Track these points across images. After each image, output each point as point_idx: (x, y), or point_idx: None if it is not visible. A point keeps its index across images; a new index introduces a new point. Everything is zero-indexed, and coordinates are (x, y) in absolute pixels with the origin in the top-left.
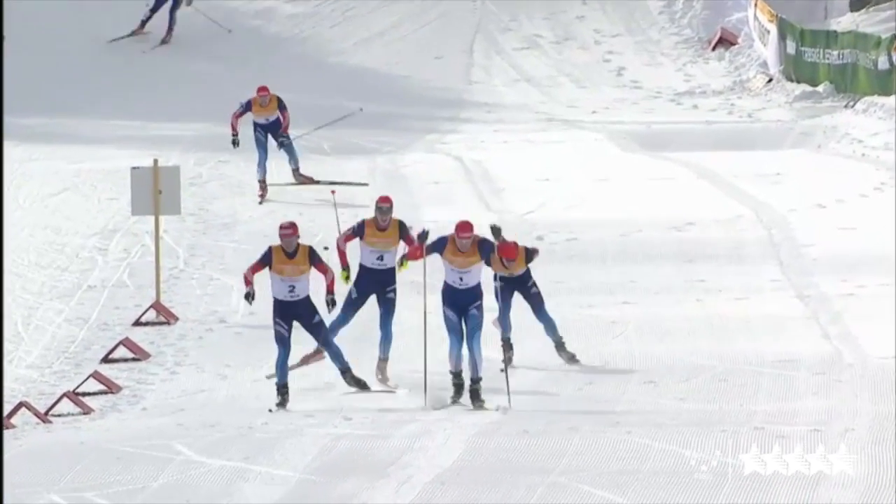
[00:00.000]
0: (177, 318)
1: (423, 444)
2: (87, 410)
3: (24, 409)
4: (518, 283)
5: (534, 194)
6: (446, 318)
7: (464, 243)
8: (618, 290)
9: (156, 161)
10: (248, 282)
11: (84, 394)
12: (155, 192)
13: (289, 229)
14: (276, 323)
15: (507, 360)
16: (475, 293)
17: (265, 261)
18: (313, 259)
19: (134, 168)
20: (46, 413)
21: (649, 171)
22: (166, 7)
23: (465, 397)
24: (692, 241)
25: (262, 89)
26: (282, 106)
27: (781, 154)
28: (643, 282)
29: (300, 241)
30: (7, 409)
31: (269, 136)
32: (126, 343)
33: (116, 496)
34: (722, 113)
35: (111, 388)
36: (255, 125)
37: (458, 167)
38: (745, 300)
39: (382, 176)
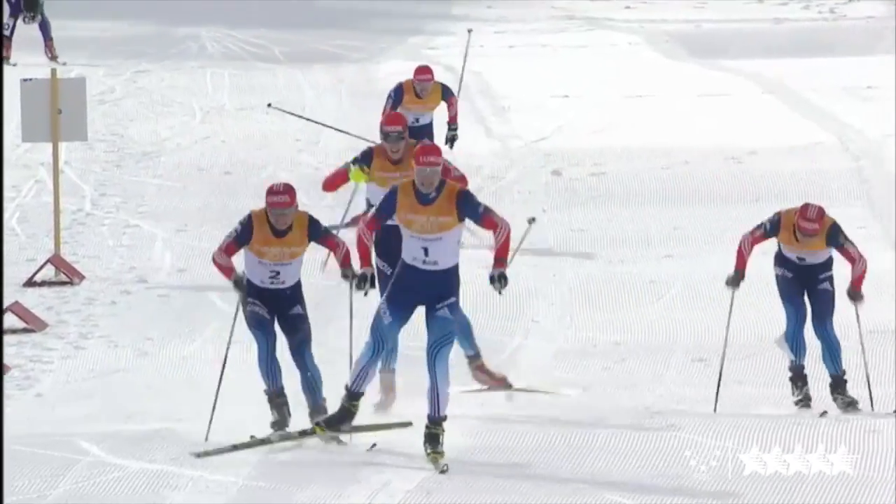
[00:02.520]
0: (82, 277)
1: (405, 442)
2: None
3: None
4: (810, 273)
5: (549, 115)
6: (377, 316)
7: (426, 169)
8: (658, 240)
9: (54, 71)
10: (226, 269)
11: None
12: (53, 111)
13: (283, 195)
14: (247, 303)
15: (805, 402)
16: (447, 281)
17: (243, 237)
18: (313, 234)
19: (25, 80)
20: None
21: (699, 84)
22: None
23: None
24: (756, 176)
25: (424, 70)
26: (447, 93)
27: (874, 62)
28: (691, 229)
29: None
30: None
31: None
32: (15, 309)
33: None
34: (796, 7)
35: None
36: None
37: (450, 79)
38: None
39: (349, 93)
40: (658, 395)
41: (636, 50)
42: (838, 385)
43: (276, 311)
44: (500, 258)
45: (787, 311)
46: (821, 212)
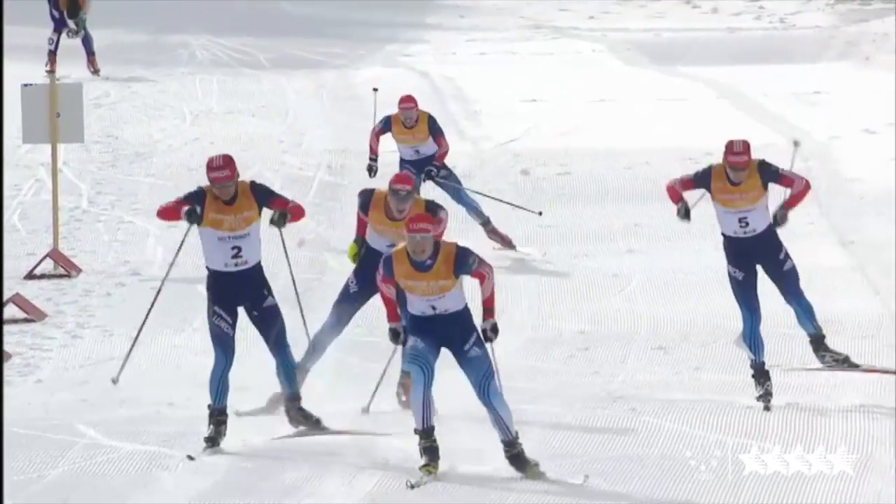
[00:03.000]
0: (79, 270)
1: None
2: None
3: None
4: (762, 251)
5: (518, 119)
6: (411, 347)
7: (416, 236)
8: (620, 236)
9: (52, 75)
10: (173, 209)
11: None
12: (52, 114)
13: (222, 170)
14: (212, 313)
15: (766, 398)
16: (464, 321)
17: (195, 200)
18: (260, 196)
19: (25, 85)
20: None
21: (658, 89)
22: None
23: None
24: None
25: (406, 99)
26: (435, 129)
27: (821, 68)
28: (651, 226)
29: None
30: None
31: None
32: (17, 300)
33: (6, 488)
34: (748, 17)
35: None
36: (401, 161)
37: (424, 85)
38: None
39: (330, 97)
40: (620, 380)
41: (599, 57)
42: (820, 344)
43: (246, 300)
44: (489, 308)
45: (743, 312)
46: (746, 144)
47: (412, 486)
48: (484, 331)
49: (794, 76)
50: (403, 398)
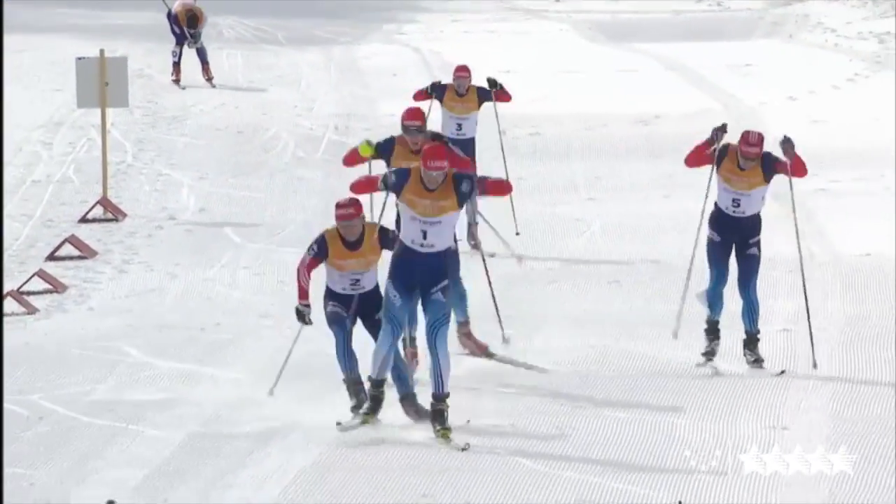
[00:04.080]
0: (125, 215)
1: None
2: (31, 310)
3: None
4: (741, 234)
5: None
6: (388, 301)
7: (433, 172)
8: (582, 186)
9: (102, 51)
10: (301, 290)
11: (28, 293)
12: (101, 83)
13: (348, 208)
14: (330, 304)
15: (708, 356)
16: (441, 264)
17: (321, 254)
18: (386, 243)
19: (79, 58)
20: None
21: (615, 62)
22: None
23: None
24: (659, 136)
25: (461, 69)
26: (485, 97)
27: (751, 44)
28: (608, 178)
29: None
30: None
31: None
32: (72, 240)
33: (62, 399)
34: (690, 2)
35: (57, 287)
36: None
37: (416, 58)
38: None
39: (338, 68)
40: (582, 309)
41: (565, 35)
42: (751, 342)
43: (357, 312)
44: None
45: (712, 272)
46: (761, 137)
47: (341, 428)
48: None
49: (729, 51)
50: (466, 350)
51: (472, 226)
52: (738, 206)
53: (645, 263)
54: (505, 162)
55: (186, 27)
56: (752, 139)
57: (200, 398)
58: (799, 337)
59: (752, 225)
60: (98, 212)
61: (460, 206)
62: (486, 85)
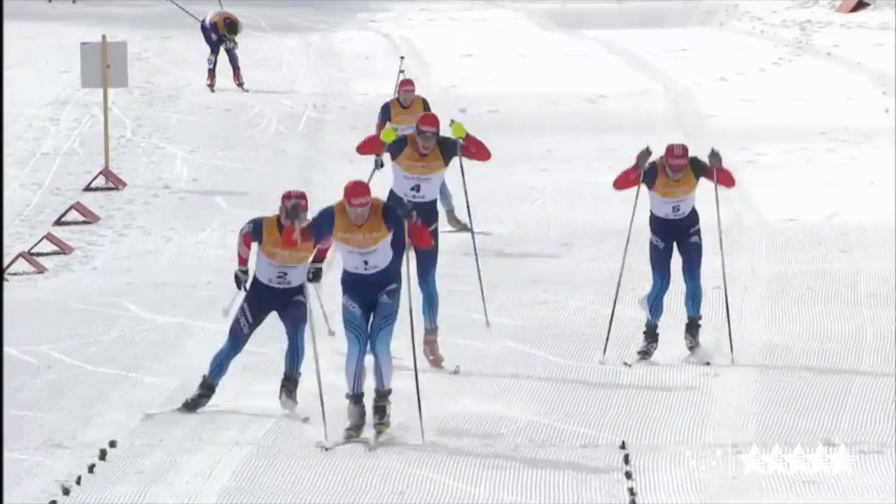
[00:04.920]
0: (125, 184)
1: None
2: (41, 270)
3: None
4: (679, 229)
5: (458, 69)
6: (346, 312)
7: (357, 212)
8: (535, 158)
9: (104, 37)
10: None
11: (38, 254)
12: (103, 65)
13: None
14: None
15: (644, 356)
16: (388, 276)
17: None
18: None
19: (83, 43)
20: (3, 272)
21: (565, 47)
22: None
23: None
24: (604, 113)
25: (406, 83)
26: (427, 110)
27: (687, 31)
28: (559, 151)
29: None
30: None
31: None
32: (77, 207)
33: (69, 350)
34: None
35: (64, 249)
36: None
37: (387, 44)
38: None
39: (316, 52)
40: (536, 269)
41: (520, 23)
42: (692, 327)
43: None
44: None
45: (654, 278)
46: (685, 148)
47: (324, 448)
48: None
49: (667, 37)
50: (431, 356)
51: (450, 213)
52: (678, 210)
53: (592, 228)
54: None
55: (227, 33)
56: (677, 151)
57: (193, 349)
58: (730, 295)
59: (691, 218)
60: (101, 181)
61: (390, 231)
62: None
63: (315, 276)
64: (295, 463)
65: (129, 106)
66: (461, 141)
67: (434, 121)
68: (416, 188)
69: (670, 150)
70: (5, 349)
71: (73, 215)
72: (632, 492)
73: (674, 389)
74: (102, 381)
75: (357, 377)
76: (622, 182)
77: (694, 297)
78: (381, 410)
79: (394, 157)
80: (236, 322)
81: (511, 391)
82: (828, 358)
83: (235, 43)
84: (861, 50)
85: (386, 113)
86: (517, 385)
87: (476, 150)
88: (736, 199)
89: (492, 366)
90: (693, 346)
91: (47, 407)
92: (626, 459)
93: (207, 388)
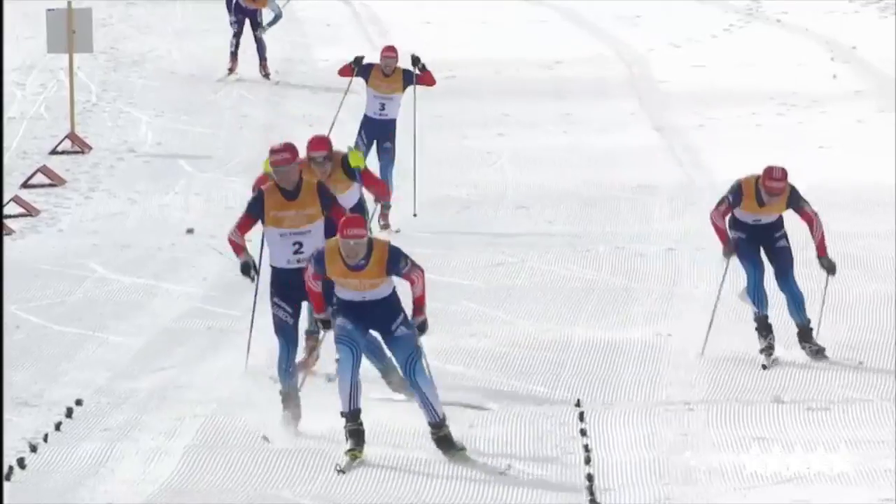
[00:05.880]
0: (90, 148)
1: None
2: (8, 232)
3: None
4: (765, 234)
5: (417, 36)
6: (338, 328)
7: (350, 241)
8: (492, 123)
9: (70, 3)
10: (237, 246)
11: (6, 216)
12: (69, 31)
13: (283, 152)
14: (274, 305)
15: (768, 351)
16: (390, 304)
17: (255, 210)
18: (324, 200)
19: (49, 10)
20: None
21: (522, 15)
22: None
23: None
24: (560, 79)
25: (389, 50)
26: (409, 81)
27: None
28: (516, 115)
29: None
30: None
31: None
32: (44, 170)
33: (37, 310)
34: None
35: (30, 211)
36: (364, 119)
37: (347, 11)
38: (608, 132)
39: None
40: (493, 231)
41: None
42: (805, 334)
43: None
44: (420, 307)
45: (746, 267)
46: (784, 172)
47: (341, 471)
48: (419, 326)
49: (621, 4)
50: (382, 222)
51: (385, 208)
52: (759, 222)
53: (549, 191)
54: (415, 140)
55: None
56: (776, 174)
57: (157, 309)
58: (682, 255)
59: (775, 224)
60: (66, 145)
61: (389, 275)
62: (409, 64)
63: (325, 325)
64: (258, 420)
65: (94, 71)
66: (359, 176)
67: (324, 145)
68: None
69: (769, 171)
70: None
71: (40, 178)
72: (586, 448)
73: (626, 349)
74: (69, 340)
75: (353, 392)
76: (721, 235)
77: (796, 303)
78: (446, 441)
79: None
80: (277, 318)
81: (470, 351)
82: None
83: (264, 28)
84: (810, 17)
85: (366, 71)
86: (476, 345)
87: (376, 186)
88: (688, 163)
89: (451, 326)
90: (816, 350)
91: (15, 366)
92: (581, 417)
93: (286, 396)
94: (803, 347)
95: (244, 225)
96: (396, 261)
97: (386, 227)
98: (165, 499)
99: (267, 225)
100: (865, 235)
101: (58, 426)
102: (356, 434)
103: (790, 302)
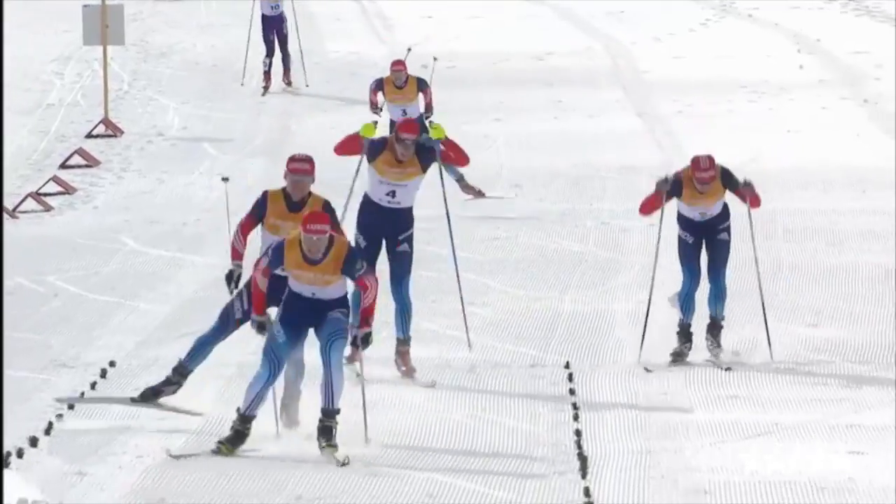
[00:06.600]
0: (122, 132)
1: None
2: (47, 208)
3: None
4: (710, 228)
5: (419, 30)
6: (271, 337)
7: (313, 237)
8: (489, 109)
9: (104, 1)
10: (234, 251)
11: (45, 194)
12: (103, 25)
13: (303, 163)
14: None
15: (677, 357)
16: (334, 304)
17: (258, 212)
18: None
19: (85, 6)
20: (14, 210)
21: (516, 10)
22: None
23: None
24: (551, 69)
25: (397, 63)
26: (422, 86)
27: None
28: (510, 102)
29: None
30: None
31: None
32: (80, 152)
33: (73, 280)
34: None
35: (68, 189)
36: (391, 123)
37: (356, 7)
38: (595, 117)
39: (291, 14)
40: (492, 208)
41: None
42: (714, 327)
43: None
44: (366, 318)
45: (685, 274)
46: (711, 159)
47: (175, 457)
48: (355, 337)
49: (607, 1)
50: (403, 367)
51: (461, 182)
52: (705, 215)
53: (540, 171)
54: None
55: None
56: (703, 164)
57: (182, 279)
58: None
59: (721, 215)
60: (101, 129)
61: (343, 274)
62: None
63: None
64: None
65: (125, 62)
66: (440, 147)
67: (414, 128)
68: (392, 193)
69: (696, 162)
70: (18, 278)
71: (77, 160)
72: (575, 406)
73: (611, 316)
74: (103, 307)
75: (256, 399)
76: (647, 207)
77: (718, 297)
78: (328, 431)
79: (371, 160)
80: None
81: (468, 317)
82: (746, 284)
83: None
84: (778, 12)
85: (379, 84)
86: (472, 312)
87: (455, 155)
88: (668, 146)
89: (449, 295)
90: (714, 347)
91: (53, 331)
92: (570, 378)
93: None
94: (706, 339)
95: (246, 224)
96: (353, 262)
97: (481, 194)
98: (191, 450)
99: (265, 228)
100: (828, 211)
101: (93, 385)
102: (238, 435)
103: (712, 294)
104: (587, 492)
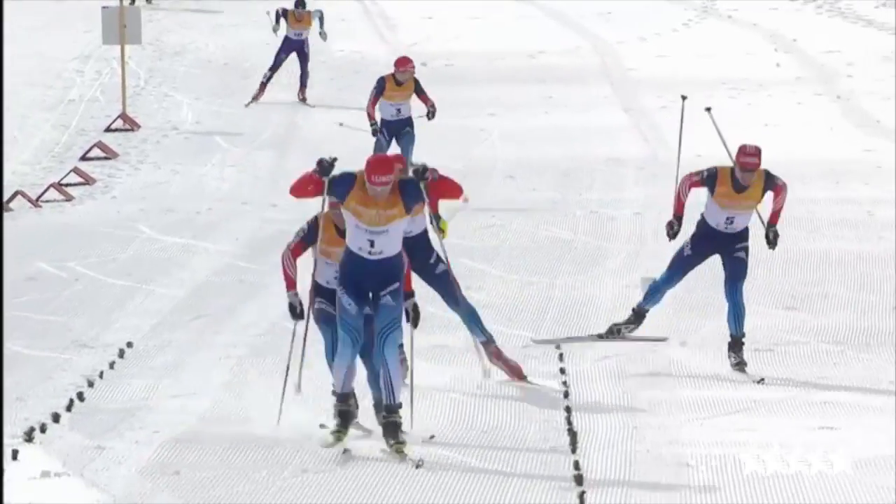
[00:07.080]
0: (139, 126)
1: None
2: (69, 198)
3: (19, 196)
4: (728, 242)
5: (420, 30)
6: (342, 310)
7: (377, 188)
8: (485, 105)
9: (122, 1)
10: (288, 279)
11: (66, 185)
12: (121, 26)
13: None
14: (317, 302)
15: (614, 330)
16: (393, 267)
17: (309, 237)
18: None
19: (104, 7)
20: (37, 199)
21: (511, 11)
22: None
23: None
24: (543, 67)
25: (404, 61)
26: (419, 89)
27: None
28: (505, 98)
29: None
30: (6, 195)
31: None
32: (99, 145)
33: (92, 265)
34: None
35: (88, 180)
36: (381, 121)
37: (359, 7)
38: (584, 113)
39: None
40: (488, 198)
41: None
42: (736, 345)
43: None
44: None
45: (668, 274)
46: (758, 148)
47: (327, 447)
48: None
49: (596, 2)
50: (505, 367)
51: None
52: (732, 223)
53: (532, 163)
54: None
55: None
56: (749, 150)
57: (196, 265)
58: (648, 219)
59: (741, 234)
60: (119, 123)
61: (408, 212)
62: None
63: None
64: (281, 364)
65: (142, 60)
66: (425, 197)
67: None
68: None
69: (743, 147)
70: (40, 264)
71: (96, 152)
72: (565, 384)
73: (600, 300)
74: (120, 291)
75: (348, 376)
76: (678, 204)
77: (736, 315)
78: (394, 427)
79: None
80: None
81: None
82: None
83: (322, 35)
84: (757, 13)
85: (381, 87)
86: (470, 295)
87: (448, 189)
88: (653, 139)
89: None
90: (737, 363)
91: (74, 313)
92: (561, 357)
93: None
94: (729, 356)
95: (297, 249)
96: (409, 184)
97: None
98: (205, 427)
99: (319, 255)
100: (806, 201)
101: (111, 365)
102: (344, 415)
103: (731, 313)
104: (577, 465)
